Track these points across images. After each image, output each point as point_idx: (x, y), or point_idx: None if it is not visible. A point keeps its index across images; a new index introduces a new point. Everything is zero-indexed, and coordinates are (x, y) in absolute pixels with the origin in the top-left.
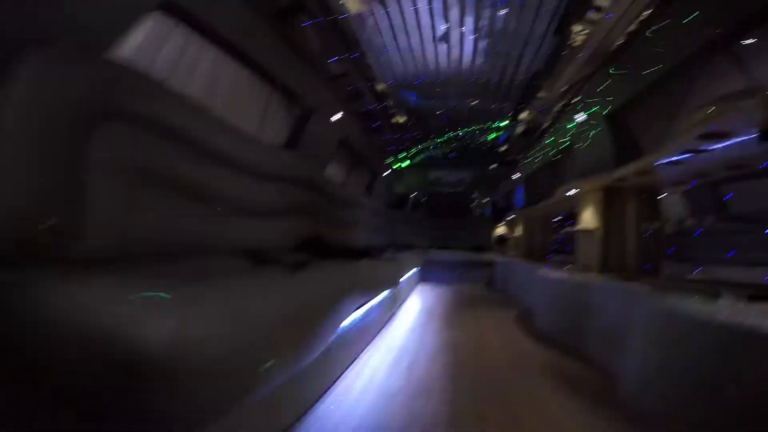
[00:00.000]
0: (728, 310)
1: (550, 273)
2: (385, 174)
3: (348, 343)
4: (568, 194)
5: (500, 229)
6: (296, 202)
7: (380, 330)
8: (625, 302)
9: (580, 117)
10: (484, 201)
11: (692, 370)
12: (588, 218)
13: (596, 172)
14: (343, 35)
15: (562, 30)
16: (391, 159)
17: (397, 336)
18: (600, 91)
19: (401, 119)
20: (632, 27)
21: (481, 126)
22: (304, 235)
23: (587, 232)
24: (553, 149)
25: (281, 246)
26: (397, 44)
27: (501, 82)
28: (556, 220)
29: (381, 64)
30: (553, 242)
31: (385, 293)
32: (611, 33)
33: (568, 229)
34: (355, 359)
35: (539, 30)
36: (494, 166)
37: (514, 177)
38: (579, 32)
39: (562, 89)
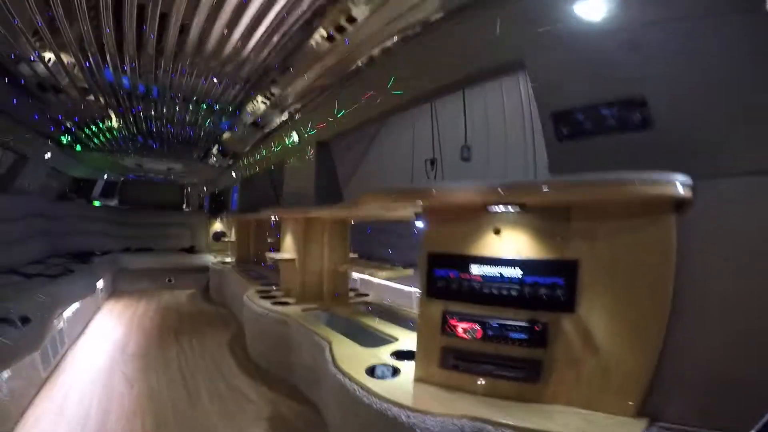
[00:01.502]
0: None
1: (255, 302)
2: (49, 156)
3: None
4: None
5: (218, 225)
6: None
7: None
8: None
9: (295, 136)
10: (200, 193)
11: None
12: (289, 246)
13: (302, 197)
14: None
15: (311, 24)
16: (65, 137)
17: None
18: (322, 111)
19: (90, 97)
20: (373, 52)
21: (201, 109)
22: None
23: (288, 261)
24: (272, 157)
25: None
26: None
27: (229, 60)
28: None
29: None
30: (270, 247)
31: None
32: (355, 52)
33: (271, 255)
34: None
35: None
36: (214, 158)
37: (233, 174)
38: (324, 38)
39: (293, 93)
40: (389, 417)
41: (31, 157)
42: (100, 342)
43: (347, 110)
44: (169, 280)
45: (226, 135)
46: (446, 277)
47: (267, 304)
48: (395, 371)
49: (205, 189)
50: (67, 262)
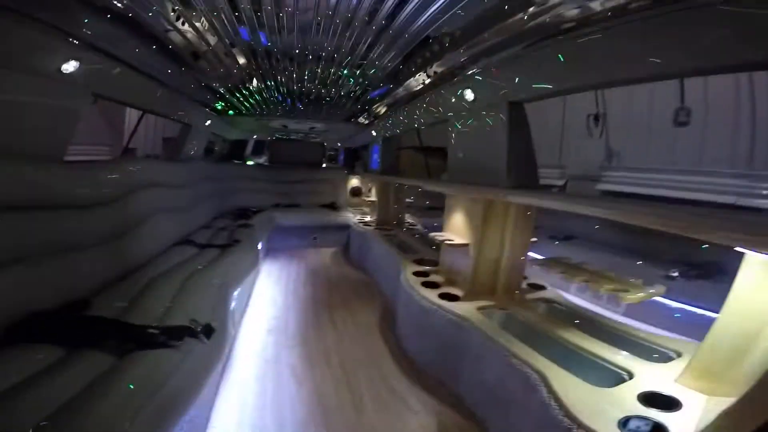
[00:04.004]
0: None
1: (417, 290)
2: (206, 123)
3: None
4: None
5: (355, 181)
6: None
7: None
8: None
9: (469, 94)
10: (337, 148)
11: None
12: (459, 227)
13: (481, 170)
14: None
15: None
16: (219, 105)
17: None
18: (522, 68)
19: (240, 60)
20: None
21: (349, 71)
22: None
23: (456, 246)
24: (425, 117)
25: None
26: None
27: (389, 25)
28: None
29: None
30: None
31: None
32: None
33: (438, 237)
34: None
35: None
36: (358, 118)
37: (373, 132)
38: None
39: (471, 52)
40: None
41: (194, 125)
42: (263, 320)
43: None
44: (315, 238)
45: (376, 95)
46: None
47: (433, 296)
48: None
49: (339, 144)
50: (230, 224)
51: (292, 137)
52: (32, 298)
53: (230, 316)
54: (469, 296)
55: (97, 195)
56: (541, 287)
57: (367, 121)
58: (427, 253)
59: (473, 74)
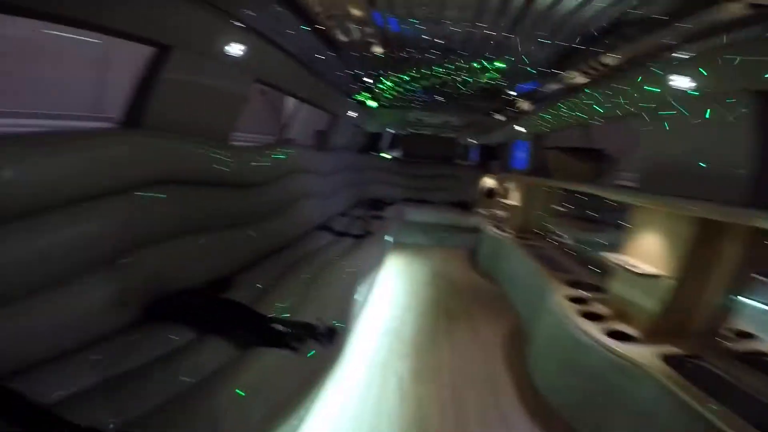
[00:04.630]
0: None
1: (571, 319)
2: (350, 114)
3: None
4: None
5: (489, 181)
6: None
7: None
8: None
9: (679, 81)
10: (469, 144)
11: None
12: (651, 252)
13: (689, 177)
14: None
15: None
16: (360, 96)
17: None
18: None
19: (377, 49)
20: None
21: (496, 64)
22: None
23: (644, 276)
24: (605, 113)
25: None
26: None
27: (549, 16)
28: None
29: None
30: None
31: None
32: None
33: (609, 258)
34: None
35: None
36: (499, 113)
37: (518, 128)
38: None
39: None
40: None
41: (340, 115)
42: (380, 319)
43: None
44: (441, 237)
45: (526, 89)
46: None
47: (595, 332)
48: None
49: (474, 141)
50: (365, 214)
51: (424, 131)
52: (189, 271)
53: (354, 316)
54: (650, 338)
55: (257, 176)
56: (748, 335)
57: (510, 117)
58: (582, 274)
59: (687, 59)
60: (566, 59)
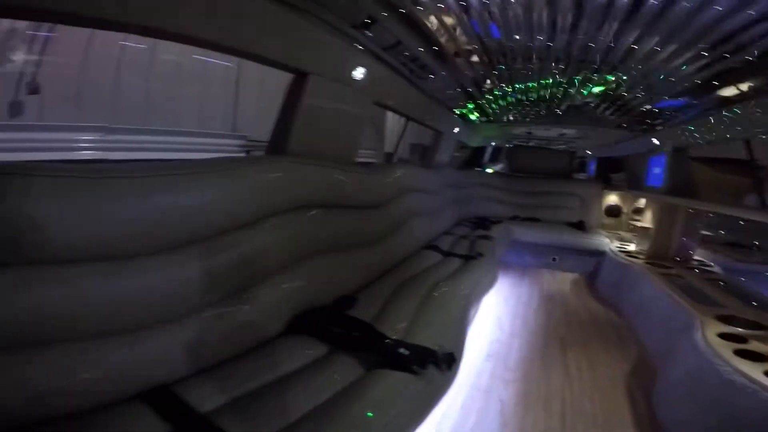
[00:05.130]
0: None
1: (723, 357)
2: (454, 129)
3: None
4: None
5: (612, 198)
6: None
7: None
8: None
9: None
10: (586, 156)
11: None
12: None
13: None
14: None
15: None
16: (463, 110)
17: None
18: None
19: (478, 57)
20: None
21: (629, 79)
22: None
23: None
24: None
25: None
26: None
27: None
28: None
29: None
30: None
31: None
32: None
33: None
34: None
35: None
36: (631, 126)
37: (655, 140)
38: None
39: None
40: None
41: (444, 131)
42: (485, 342)
43: None
44: (554, 260)
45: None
46: None
47: (753, 372)
48: None
49: (590, 153)
50: (470, 233)
51: (531, 144)
52: (320, 291)
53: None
54: None
55: (376, 196)
56: None
57: (645, 129)
58: (736, 309)
59: None
60: (718, 73)
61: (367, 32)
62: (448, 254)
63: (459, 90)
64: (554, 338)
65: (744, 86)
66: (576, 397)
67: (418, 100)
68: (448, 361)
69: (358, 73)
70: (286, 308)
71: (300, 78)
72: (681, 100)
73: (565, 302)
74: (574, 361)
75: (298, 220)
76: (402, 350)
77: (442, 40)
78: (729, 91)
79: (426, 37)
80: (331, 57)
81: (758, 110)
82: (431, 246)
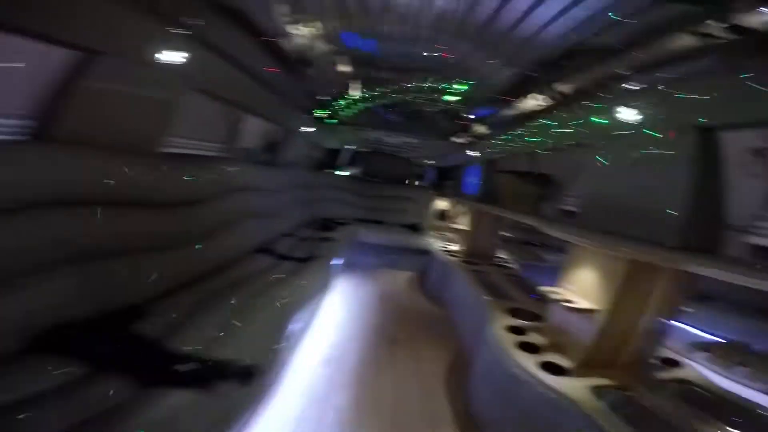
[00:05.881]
0: None
1: (508, 352)
2: (305, 129)
3: None
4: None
5: (442, 204)
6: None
7: None
8: None
9: (624, 113)
10: (424, 165)
11: None
12: (586, 287)
13: (626, 215)
14: None
15: None
16: (318, 111)
17: None
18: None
19: (341, 68)
20: None
21: (454, 87)
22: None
23: (581, 311)
24: (541, 142)
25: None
26: None
27: (507, 40)
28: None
29: None
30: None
31: None
32: None
33: (552, 294)
34: None
35: None
36: (454, 137)
37: (471, 153)
38: None
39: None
40: None
41: (293, 131)
42: (321, 347)
43: None
44: (392, 260)
45: (480, 114)
46: None
47: (531, 365)
48: None
49: (427, 162)
50: (313, 235)
51: (384, 150)
52: (83, 302)
53: (282, 350)
54: (581, 370)
55: (189, 193)
56: (674, 363)
57: (465, 141)
58: (523, 302)
59: (635, 92)
60: (522, 86)
61: (190, 19)
62: (282, 257)
63: (312, 92)
64: (388, 339)
65: (535, 105)
66: (404, 398)
67: (262, 95)
68: (244, 375)
69: (168, 56)
70: (28, 323)
71: (80, 56)
72: (492, 108)
73: (399, 300)
74: (402, 362)
75: (56, 218)
76: (184, 366)
77: (289, 43)
78: (525, 105)
79: (263, 36)
80: (128, 36)
81: (542, 128)
82: (264, 249)
